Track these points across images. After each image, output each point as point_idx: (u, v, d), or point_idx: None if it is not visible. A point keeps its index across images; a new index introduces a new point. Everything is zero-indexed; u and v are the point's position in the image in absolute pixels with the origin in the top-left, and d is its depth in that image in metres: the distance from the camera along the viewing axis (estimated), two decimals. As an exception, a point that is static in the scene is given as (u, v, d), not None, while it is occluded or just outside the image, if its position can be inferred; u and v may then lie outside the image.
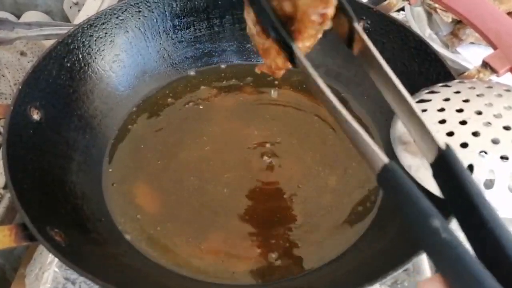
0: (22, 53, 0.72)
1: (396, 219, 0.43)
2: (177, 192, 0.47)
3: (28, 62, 0.71)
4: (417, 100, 0.41)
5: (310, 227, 0.45)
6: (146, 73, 0.56)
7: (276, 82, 0.59)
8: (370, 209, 0.46)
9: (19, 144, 0.39)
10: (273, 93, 0.58)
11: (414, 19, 0.68)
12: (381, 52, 0.53)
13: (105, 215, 0.44)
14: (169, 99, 0.56)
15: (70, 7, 0.85)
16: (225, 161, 0.50)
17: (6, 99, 0.65)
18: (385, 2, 0.54)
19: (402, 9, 0.70)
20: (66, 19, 0.89)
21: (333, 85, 0.57)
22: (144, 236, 0.44)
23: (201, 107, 0.56)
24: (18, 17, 0.91)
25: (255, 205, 0.47)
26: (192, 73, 0.59)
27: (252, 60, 0.61)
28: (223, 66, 0.60)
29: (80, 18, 0.76)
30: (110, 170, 0.48)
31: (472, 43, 0.65)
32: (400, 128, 0.41)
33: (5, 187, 0.47)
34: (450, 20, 0.64)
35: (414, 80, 0.50)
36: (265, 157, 0.51)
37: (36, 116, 0.43)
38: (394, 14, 0.65)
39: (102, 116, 0.51)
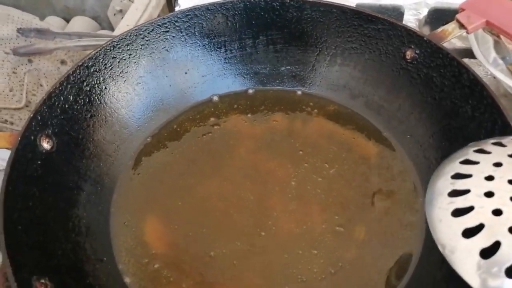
0: (63, 62, 0.73)
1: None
2: (189, 233, 0.44)
3: (68, 71, 0.71)
4: (462, 159, 0.34)
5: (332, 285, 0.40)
6: (171, 96, 0.54)
7: (310, 110, 0.54)
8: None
9: (22, 179, 0.38)
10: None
11: (478, 41, 0.60)
12: (429, 88, 0.47)
13: (107, 254, 0.42)
14: (192, 125, 0.53)
15: (114, 14, 0.85)
16: (242, 201, 0.46)
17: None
18: (439, 30, 0.47)
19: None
20: (112, 26, 0.89)
21: (372, 121, 0.51)
22: (146, 281, 0.41)
23: (225, 135, 0.52)
24: (68, 21, 0.92)
25: (270, 258, 0.42)
26: (216, 98, 0.55)
27: (285, 85, 0.56)
28: (251, 91, 0.55)
29: (120, 27, 0.75)
30: (121, 202, 0.46)
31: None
32: (438, 191, 0.34)
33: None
34: (517, 48, 0.55)
35: (463, 125, 0.43)
36: (287, 198, 0.46)
37: (46, 145, 0.41)
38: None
39: (120, 142, 0.49)
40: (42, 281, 0.33)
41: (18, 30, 0.68)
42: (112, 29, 0.89)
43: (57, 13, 0.93)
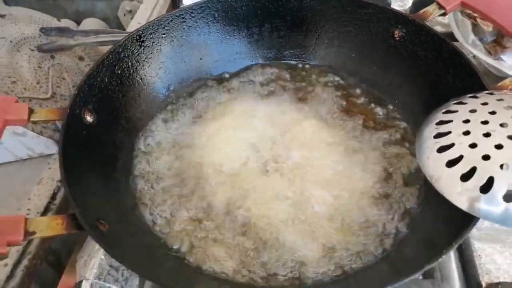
0: (80, 58, 0.79)
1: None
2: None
3: (85, 66, 0.78)
4: (444, 110, 0.42)
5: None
6: (189, 78, 0.60)
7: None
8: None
9: (74, 143, 0.44)
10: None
11: (458, 25, 0.67)
12: (416, 63, 0.54)
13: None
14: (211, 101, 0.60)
15: (124, 14, 0.92)
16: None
17: (65, 100, 0.72)
18: (421, 11, 0.54)
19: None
20: (121, 26, 0.95)
21: (375, 93, 0.58)
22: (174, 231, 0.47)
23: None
24: (78, 23, 0.98)
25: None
26: (227, 75, 0.62)
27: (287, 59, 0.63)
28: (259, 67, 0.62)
29: (132, 25, 0.82)
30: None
31: (517, 50, 0.63)
32: (425, 136, 0.41)
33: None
34: (490, 29, 0.63)
35: (447, 92, 0.50)
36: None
37: (89, 118, 0.48)
38: (440, 19, 0.64)
39: (148, 119, 0.56)
40: (101, 221, 0.39)
41: (41, 29, 0.75)
42: (121, 29, 0.95)
43: (68, 16, 0.99)
